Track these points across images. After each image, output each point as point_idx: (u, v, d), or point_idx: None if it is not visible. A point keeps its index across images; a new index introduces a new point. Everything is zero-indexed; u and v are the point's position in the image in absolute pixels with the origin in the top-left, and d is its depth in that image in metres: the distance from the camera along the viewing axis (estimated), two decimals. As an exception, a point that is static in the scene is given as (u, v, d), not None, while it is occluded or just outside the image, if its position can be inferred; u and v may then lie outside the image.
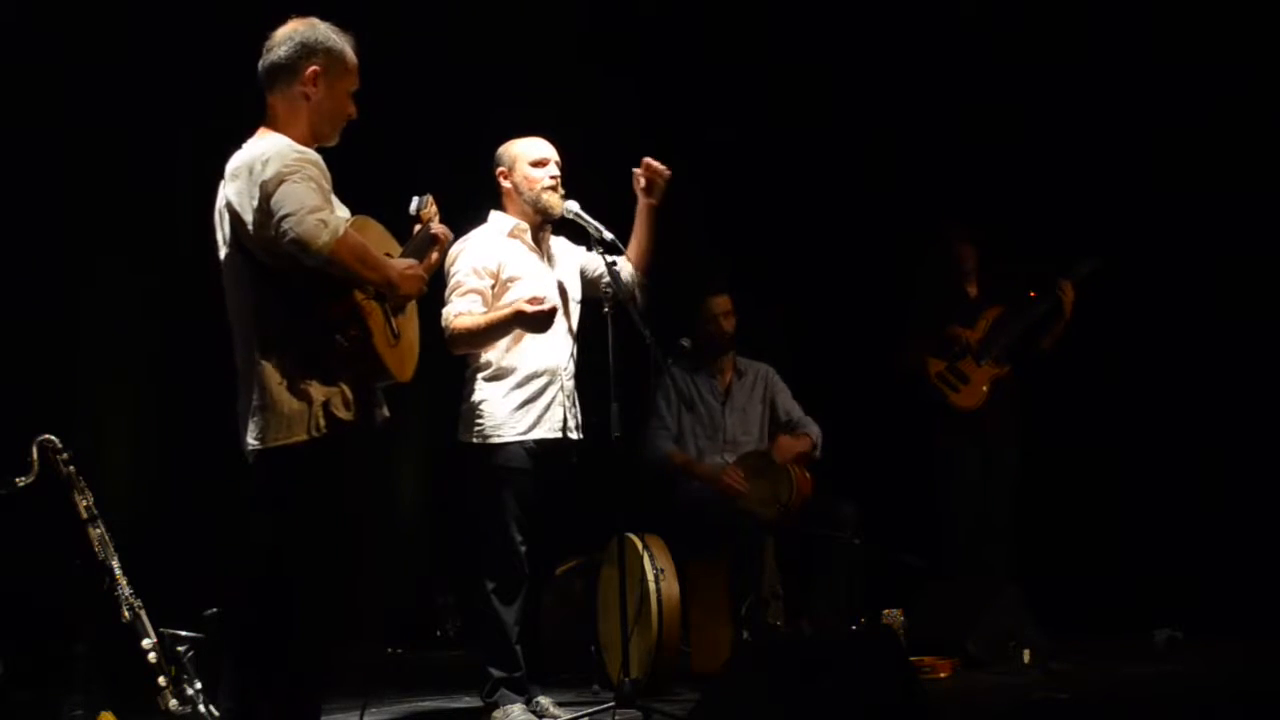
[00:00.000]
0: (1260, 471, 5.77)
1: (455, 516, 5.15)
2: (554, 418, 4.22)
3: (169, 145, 5.26)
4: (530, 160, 4.28)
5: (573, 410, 4.28)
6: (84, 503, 3.99)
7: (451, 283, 4.20)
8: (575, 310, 4.36)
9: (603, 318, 4.17)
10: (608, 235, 4.17)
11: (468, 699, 4.58)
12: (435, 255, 3.46)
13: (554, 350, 4.22)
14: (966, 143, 6.37)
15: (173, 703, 3.86)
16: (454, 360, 4.25)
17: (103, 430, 5.48)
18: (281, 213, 2.97)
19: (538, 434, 4.19)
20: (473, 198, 4.32)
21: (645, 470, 5.24)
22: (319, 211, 2.98)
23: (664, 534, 4.94)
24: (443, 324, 4.14)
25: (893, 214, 6.36)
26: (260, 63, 3.25)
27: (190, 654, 3.92)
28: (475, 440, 4.19)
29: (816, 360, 6.22)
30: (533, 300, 4.05)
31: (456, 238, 3.94)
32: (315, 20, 3.27)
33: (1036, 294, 5.73)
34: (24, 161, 5.11)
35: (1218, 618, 5.50)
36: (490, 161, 4.35)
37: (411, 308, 3.34)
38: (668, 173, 4.24)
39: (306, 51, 3.22)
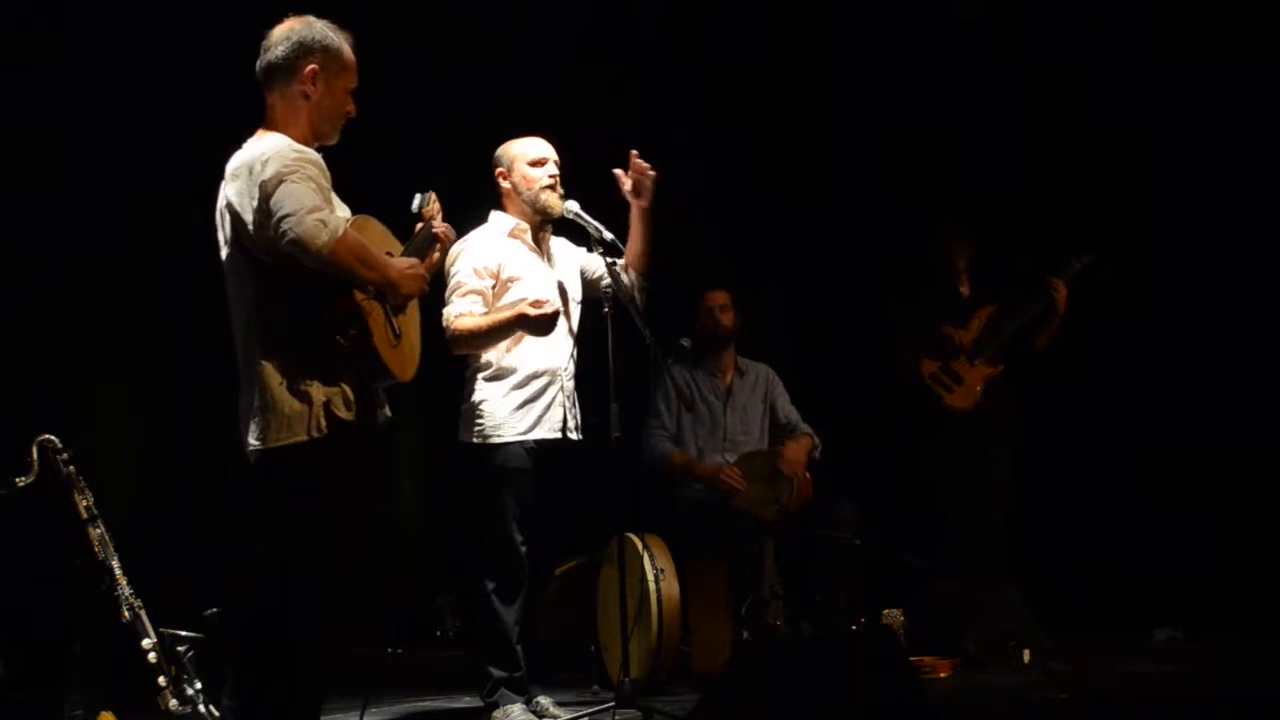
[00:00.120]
0: (1260, 471, 5.77)
1: (455, 516, 5.16)
2: (554, 418, 4.22)
3: (169, 145, 5.25)
4: (529, 160, 4.28)
5: (573, 411, 4.28)
6: (84, 503, 3.99)
7: (452, 283, 4.20)
8: (575, 310, 4.36)
9: (603, 318, 4.17)
10: (608, 235, 4.16)
11: (468, 699, 4.58)
12: (437, 254, 3.46)
13: (554, 351, 4.22)
14: (959, 142, 6.37)
15: (173, 703, 3.86)
16: (454, 360, 4.25)
17: (103, 430, 5.48)
18: (281, 213, 2.97)
19: (538, 434, 4.19)
20: (473, 198, 4.32)
21: (644, 470, 5.24)
22: (318, 212, 2.98)
23: (664, 534, 4.94)
24: (444, 324, 4.14)
25: (890, 213, 6.36)
26: (258, 63, 3.24)
27: (190, 654, 3.92)
28: (475, 440, 4.19)
29: (816, 360, 6.22)
30: (536, 303, 4.05)
31: (457, 237, 3.93)
32: (311, 18, 3.26)
33: (1026, 292, 5.73)
34: (24, 161, 5.11)
35: (1218, 618, 5.50)
36: (488, 162, 4.35)
37: (413, 307, 3.33)
38: (654, 172, 4.23)
39: (304, 50, 3.21)
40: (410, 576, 6.66)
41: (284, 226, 2.95)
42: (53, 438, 3.98)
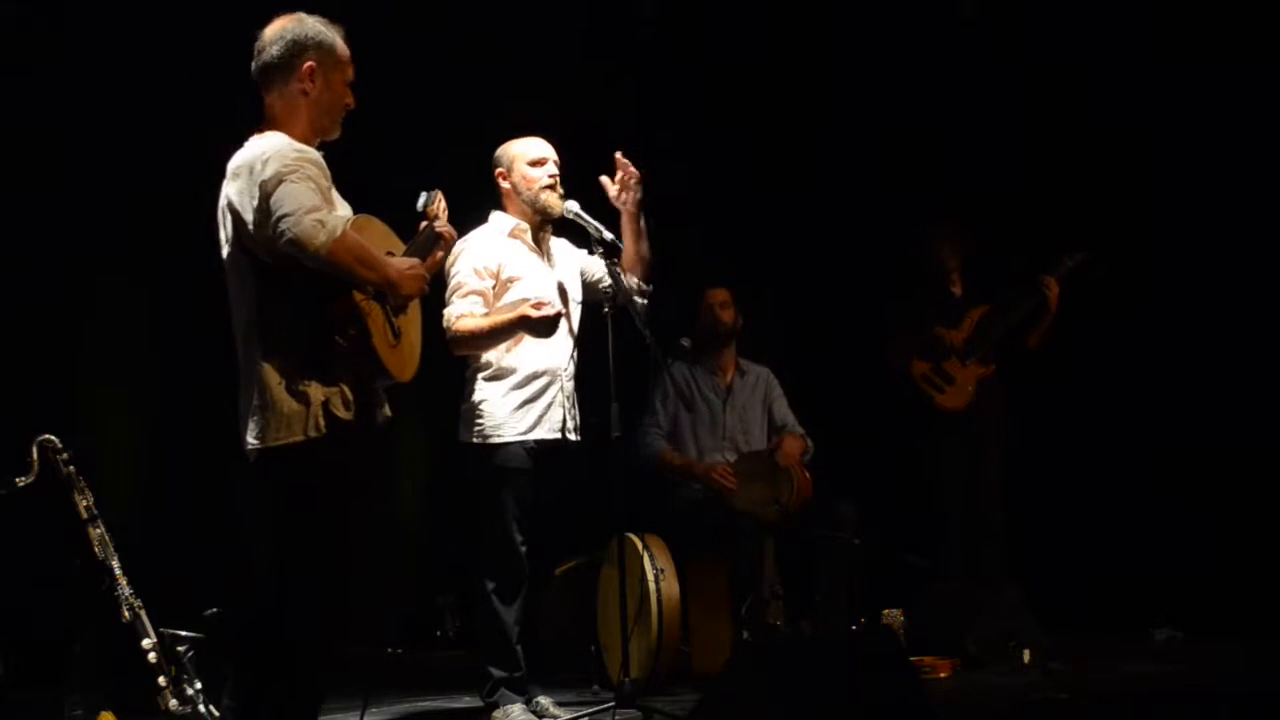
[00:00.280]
0: (1259, 471, 5.77)
1: (455, 516, 5.16)
2: (554, 418, 4.22)
3: (170, 145, 5.25)
4: (529, 160, 4.28)
5: (572, 411, 4.28)
6: (84, 503, 3.99)
7: (452, 284, 4.20)
8: (576, 311, 4.36)
9: (603, 318, 4.17)
10: (608, 235, 4.16)
11: (468, 699, 4.58)
12: (440, 254, 3.45)
13: (554, 351, 4.22)
14: (959, 142, 6.37)
15: (173, 703, 3.86)
16: (454, 360, 4.25)
17: (103, 430, 5.48)
18: (279, 213, 2.97)
19: (538, 434, 4.19)
20: (473, 198, 4.32)
21: (637, 467, 5.24)
22: (316, 212, 2.98)
23: (664, 534, 4.94)
24: (445, 325, 4.14)
25: (890, 213, 6.36)
26: (253, 65, 3.23)
27: (190, 654, 3.92)
28: (475, 440, 4.19)
29: (815, 359, 6.22)
30: (537, 304, 4.05)
31: (458, 237, 3.93)
32: (302, 15, 3.25)
33: (1018, 291, 5.72)
34: (24, 161, 5.11)
35: (1217, 618, 5.50)
36: (488, 162, 4.35)
37: (414, 308, 3.32)
38: (638, 172, 4.23)
39: (299, 48, 3.20)
40: (410, 576, 6.66)
41: (282, 226, 2.95)
42: (53, 438, 3.98)
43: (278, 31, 3.22)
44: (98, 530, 3.98)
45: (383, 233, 3.28)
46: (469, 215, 4.22)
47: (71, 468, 3.98)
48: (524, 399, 4.19)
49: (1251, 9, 5.84)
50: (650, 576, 4.72)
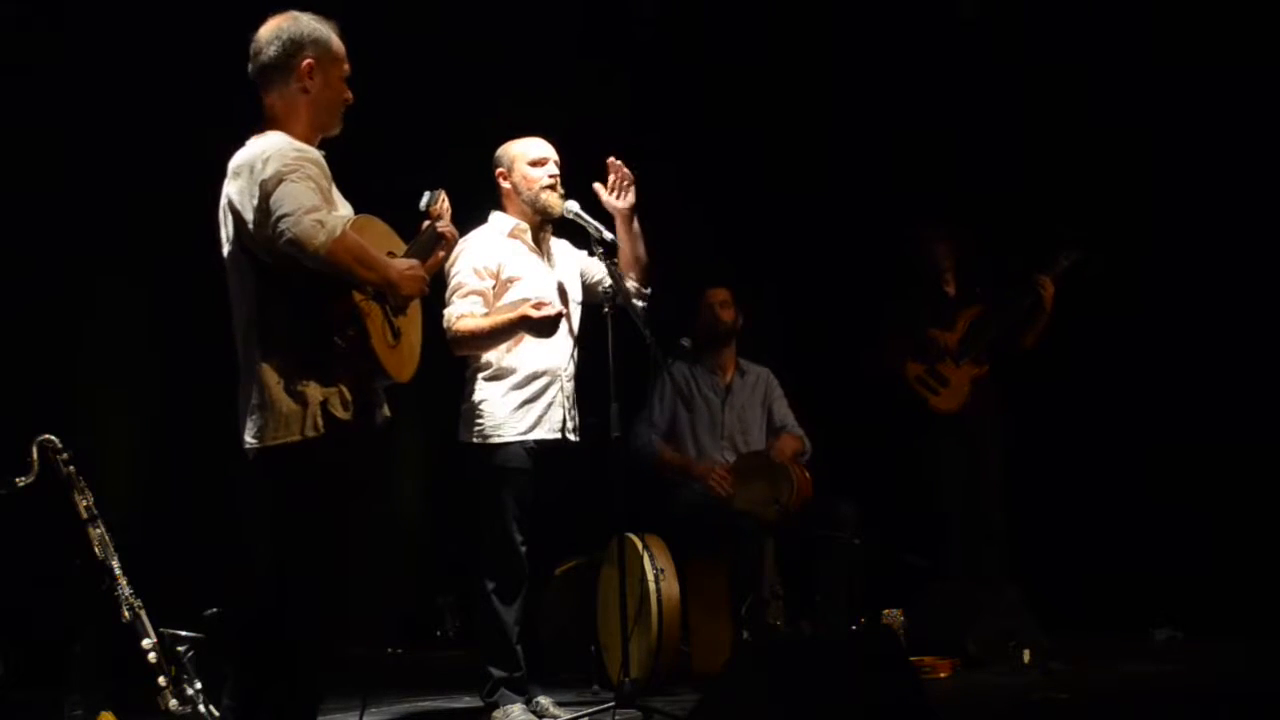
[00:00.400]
0: (1259, 471, 5.77)
1: (455, 516, 5.16)
2: (554, 418, 4.22)
3: (170, 145, 5.26)
4: (529, 160, 4.28)
5: (572, 412, 4.28)
6: (84, 503, 3.99)
7: (452, 284, 4.20)
8: (576, 311, 4.36)
9: (603, 318, 4.17)
10: (608, 235, 4.17)
11: (468, 699, 4.58)
12: (442, 254, 3.45)
13: (554, 351, 4.22)
14: (959, 142, 6.37)
15: (173, 703, 3.86)
16: (454, 360, 4.25)
17: (103, 430, 5.48)
18: (279, 213, 2.97)
19: (538, 434, 4.19)
20: (474, 198, 4.32)
21: (632, 465, 5.23)
22: (316, 212, 2.98)
23: (664, 534, 4.94)
24: (445, 325, 4.14)
25: (890, 213, 6.36)
26: (250, 66, 3.22)
27: (190, 654, 3.92)
28: (475, 440, 4.19)
29: (815, 359, 6.22)
30: (538, 304, 4.05)
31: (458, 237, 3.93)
32: (296, 13, 3.24)
33: (982, 288, 5.71)
34: (24, 161, 5.11)
35: (1217, 617, 5.50)
36: (489, 162, 4.35)
37: (415, 308, 3.32)
38: (631, 174, 4.23)
39: (296, 46, 3.20)
40: (410, 576, 6.66)
41: (281, 226, 2.95)
42: (53, 438, 3.98)
43: (273, 31, 3.21)
44: (98, 530, 3.98)
45: (384, 233, 3.27)
46: (469, 215, 4.23)
47: (71, 468, 3.98)
48: (524, 399, 4.19)
49: (1251, 9, 5.84)
50: (650, 576, 4.72)
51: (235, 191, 3.10)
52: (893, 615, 5.08)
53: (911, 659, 4.15)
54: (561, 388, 4.25)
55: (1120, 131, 6.09)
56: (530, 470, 4.17)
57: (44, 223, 5.21)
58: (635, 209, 4.26)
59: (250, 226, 3.06)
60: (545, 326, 4.05)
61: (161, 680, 3.87)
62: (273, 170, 3.02)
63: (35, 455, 3.93)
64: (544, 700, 4.22)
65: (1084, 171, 6.17)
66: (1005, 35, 6.32)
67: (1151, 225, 6.02)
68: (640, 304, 4.30)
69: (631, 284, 4.30)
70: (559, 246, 4.42)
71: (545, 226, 4.33)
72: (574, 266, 4.41)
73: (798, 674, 3.30)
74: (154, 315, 5.64)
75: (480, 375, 4.22)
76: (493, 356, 4.20)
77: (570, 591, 5.19)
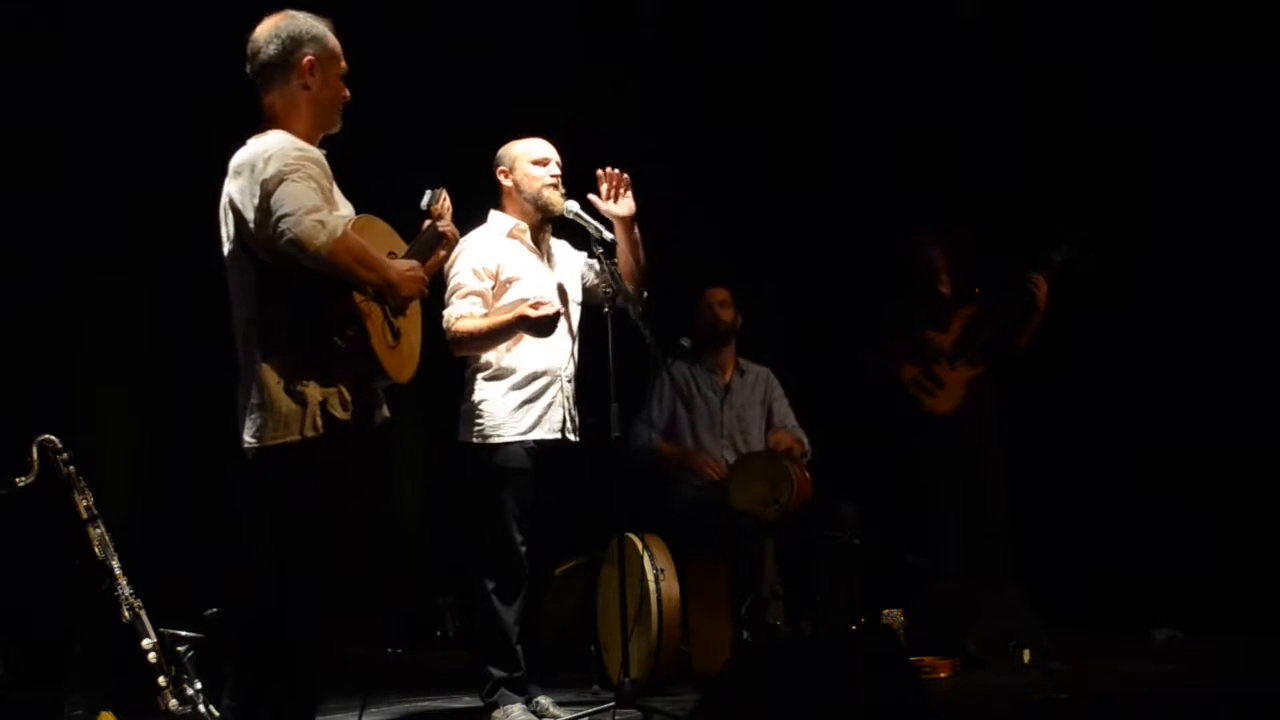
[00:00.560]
0: (1260, 471, 5.77)
1: (455, 516, 5.16)
2: (554, 418, 4.22)
3: (170, 145, 5.26)
4: (532, 159, 4.29)
5: (572, 412, 4.28)
6: (84, 503, 3.99)
7: (451, 284, 4.20)
8: (575, 311, 4.36)
9: (603, 318, 4.17)
10: (608, 235, 4.17)
11: (468, 699, 4.58)
12: (443, 253, 3.45)
13: (554, 351, 4.22)
14: (959, 142, 6.37)
15: (173, 703, 3.86)
16: (454, 360, 4.25)
17: (103, 430, 5.48)
18: (280, 212, 2.96)
19: (538, 434, 4.19)
20: (474, 198, 4.32)
21: (632, 464, 5.23)
22: (317, 212, 2.98)
23: (664, 534, 4.94)
24: (444, 326, 4.14)
25: (890, 213, 6.36)
26: (249, 66, 3.21)
27: (190, 654, 3.92)
28: (475, 440, 4.19)
29: (815, 359, 6.22)
30: (535, 304, 4.05)
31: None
32: (291, 12, 3.24)
33: (981, 289, 5.70)
34: (24, 161, 5.11)
35: (1218, 617, 5.50)
36: (489, 162, 4.35)
37: (415, 309, 3.32)
38: (626, 176, 4.22)
39: (296, 44, 3.19)
40: (410, 576, 6.66)
41: (282, 226, 2.95)
42: (53, 438, 3.98)
43: (271, 29, 3.21)
44: (98, 530, 3.98)
45: (384, 233, 3.27)
46: (469, 215, 4.23)
47: (71, 468, 3.98)
48: (524, 399, 4.19)
49: (1251, 9, 5.84)
50: (650, 576, 4.72)
51: (236, 190, 3.09)
52: (893, 615, 5.08)
53: (911, 659, 4.15)
54: (561, 388, 4.25)
55: (1117, 131, 6.09)
56: (530, 470, 4.17)
57: (44, 223, 5.21)
58: (635, 216, 4.25)
59: (251, 226, 3.06)
60: (543, 327, 4.05)
61: (161, 680, 3.87)
62: (274, 170, 3.01)
63: (35, 455, 3.93)
64: (544, 700, 4.22)
65: (1082, 171, 6.17)
66: (1005, 35, 6.32)
67: (1151, 225, 6.02)
68: (636, 309, 4.30)
69: (629, 287, 4.30)
70: (559, 247, 4.42)
71: (545, 226, 4.33)
72: (573, 267, 4.41)
73: (798, 674, 3.30)
74: (154, 315, 5.64)
75: (480, 375, 4.22)
76: (492, 356, 4.20)
77: (570, 591, 5.19)
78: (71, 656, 4.03)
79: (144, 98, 5.33)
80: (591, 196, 4.24)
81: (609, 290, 4.21)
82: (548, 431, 4.21)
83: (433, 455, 6.46)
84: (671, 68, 6.59)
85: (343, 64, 3.27)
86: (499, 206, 4.36)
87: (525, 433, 4.18)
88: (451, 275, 4.20)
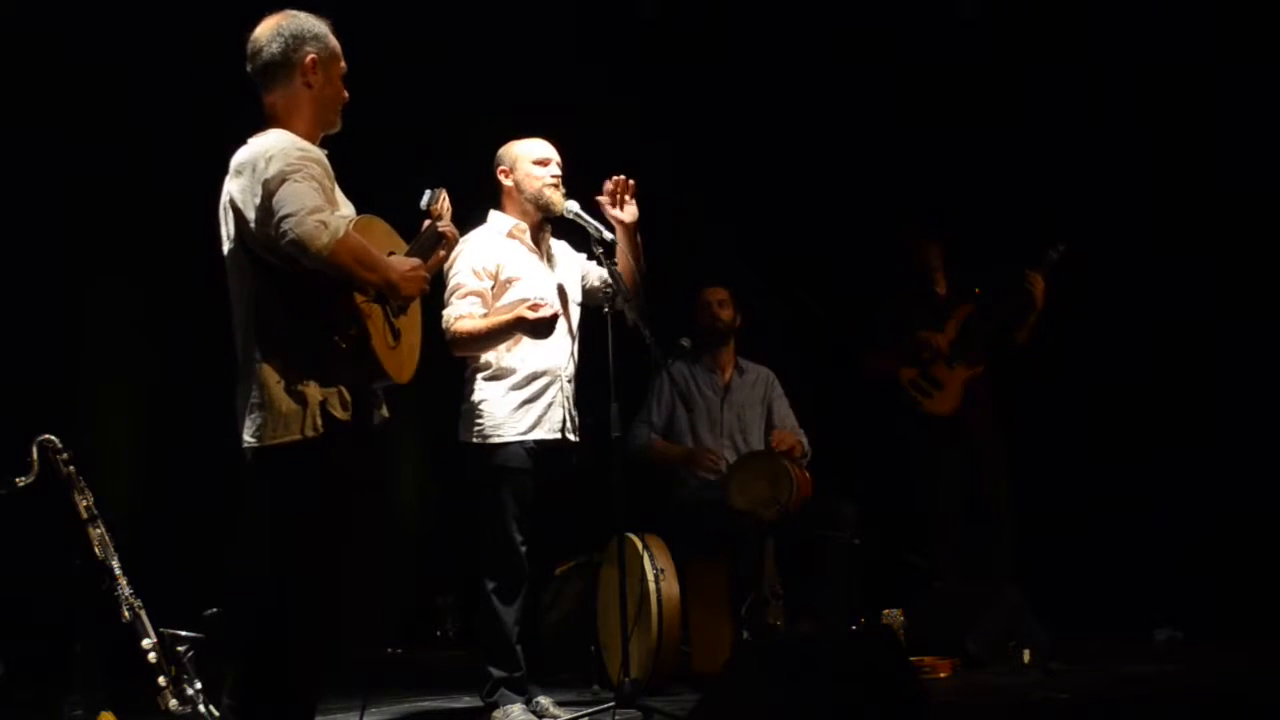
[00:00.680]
0: (1260, 471, 5.77)
1: (455, 516, 5.16)
2: (554, 418, 4.22)
3: (170, 145, 5.26)
4: (533, 159, 4.29)
5: (572, 412, 4.28)
6: (84, 503, 3.99)
7: (451, 284, 4.20)
8: (575, 311, 4.36)
9: (603, 318, 4.17)
10: (608, 235, 4.17)
11: (468, 699, 4.58)
12: (443, 253, 3.45)
13: (554, 351, 4.22)
14: (959, 142, 6.37)
15: (173, 703, 3.86)
16: (454, 360, 4.25)
17: (103, 430, 5.48)
18: (282, 213, 2.96)
19: (538, 434, 4.19)
20: (473, 198, 4.32)
21: (630, 463, 5.24)
22: (319, 212, 2.97)
23: (664, 534, 4.94)
24: (443, 326, 4.14)
25: (890, 214, 6.36)
26: (250, 66, 3.20)
27: (190, 654, 3.92)
28: (475, 440, 4.19)
29: (815, 359, 6.22)
30: (534, 306, 4.05)
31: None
32: (292, 11, 3.24)
33: (981, 289, 5.70)
34: (24, 162, 5.11)
35: (1218, 618, 5.50)
36: (489, 162, 4.35)
37: (415, 309, 3.32)
38: (630, 185, 4.22)
39: (298, 42, 3.19)
40: (410, 576, 6.66)
41: (284, 226, 2.95)
42: (53, 438, 3.98)
43: (272, 29, 3.20)
44: (98, 530, 3.98)
45: (385, 233, 3.27)
46: (469, 215, 4.23)
47: (71, 468, 3.98)
48: (524, 399, 4.19)
49: (1251, 9, 5.84)
50: (650, 576, 4.71)
51: (237, 190, 3.09)
52: (893, 615, 5.07)
53: (911, 659, 4.14)
54: (561, 388, 4.25)
55: (1116, 131, 6.09)
56: (530, 470, 4.16)
57: (44, 223, 5.21)
58: (638, 223, 4.25)
59: (252, 225, 3.05)
60: (542, 328, 4.05)
61: (161, 680, 3.87)
62: (276, 169, 3.01)
63: (35, 455, 3.93)
64: (544, 700, 4.22)
65: (1081, 172, 6.16)
66: (1005, 35, 6.32)
67: (1151, 225, 6.02)
68: (635, 313, 4.30)
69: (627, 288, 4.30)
70: (558, 247, 4.42)
71: (545, 226, 4.33)
72: (573, 267, 4.41)
73: (798, 674, 3.30)
74: (154, 315, 5.64)
75: (480, 375, 4.22)
76: (492, 356, 4.20)
77: (570, 591, 5.19)
78: (71, 656, 4.02)
79: (143, 98, 5.33)
80: (599, 198, 4.24)
81: (609, 290, 4.21)
82: (548, 431, 4.21)
83: (433, 455, 6.46)
84: (671, 67, 6.58)
85: (343, 64, 3.27)
86: (499, 206, 4.36)
87: (525, 433, 4.18)
88: (451, 275, 4.20)
